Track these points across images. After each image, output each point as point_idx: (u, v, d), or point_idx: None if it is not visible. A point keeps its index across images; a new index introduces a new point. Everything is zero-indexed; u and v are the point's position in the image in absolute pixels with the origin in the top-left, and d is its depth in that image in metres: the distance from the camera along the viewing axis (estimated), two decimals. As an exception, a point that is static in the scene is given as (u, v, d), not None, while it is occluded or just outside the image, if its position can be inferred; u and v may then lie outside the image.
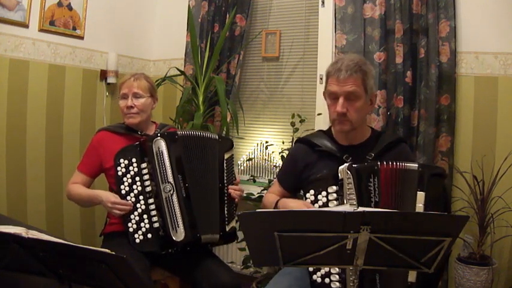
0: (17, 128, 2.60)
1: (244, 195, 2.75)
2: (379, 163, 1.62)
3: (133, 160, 1.93)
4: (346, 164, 1.62)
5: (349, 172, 1.60)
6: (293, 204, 1.74)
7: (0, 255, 1.29)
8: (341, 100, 1.68)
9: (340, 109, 1.68)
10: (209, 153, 2.02)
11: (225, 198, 2.03)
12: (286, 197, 1.92)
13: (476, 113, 2.48)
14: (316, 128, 2.60)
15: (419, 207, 1.57)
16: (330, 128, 1.87)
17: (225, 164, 2.06)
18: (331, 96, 1.72)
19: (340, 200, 1.61)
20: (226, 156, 2.07)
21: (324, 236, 1.22)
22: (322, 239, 1.23)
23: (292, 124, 2.74)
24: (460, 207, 2.39)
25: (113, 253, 1.18)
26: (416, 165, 1.62)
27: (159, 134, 1.95)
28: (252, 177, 2.90)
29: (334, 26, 2.74)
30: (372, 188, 1.60)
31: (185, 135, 2.00)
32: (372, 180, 1.60)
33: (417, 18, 2.52)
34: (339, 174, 1.62)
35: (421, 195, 1.57)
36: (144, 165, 1.92)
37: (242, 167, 3.23)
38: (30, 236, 1.21)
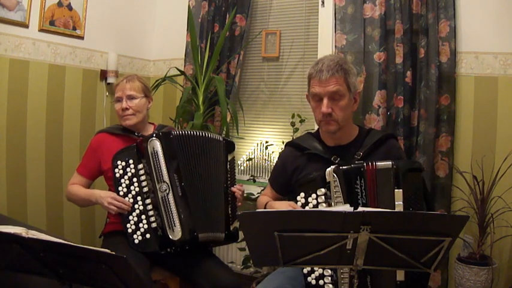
0: (17, 128, 2.60)
1: (244, 195, 2.77)
2: (364, 164, 1.61)
3: (131, 162, 1.94)
4: (332, 167, 1.62)
5: (335, 175, 1.60)
6: (278, 206, 1.76)
7: (0, 255, 1.29)
8: (325, 100, 1.68)
9: (326, 109, 1.68)
10: (211, 153, 2.02)
11: (229, 198, 2.04)
12: (277, 200, 1.93)
13: (476, 113, 2.48)
14: (316, 128, 2.60)
15: (399, 205, 1.56)
16: (318, 130, 1.87)
17: (228, 165, 2.07)
18: (315, 98, 1.73)
19: (328, 202, 1.61)
20: (229, 157, 2.09)
21: (324, 236, 1.22)
22: (322, 239, 1.23)
23: (292, 124, 2.74)
24: (460, 207, 2.39)
25: (113, 253, 1.18)
26: (390, 162, 1.60)
27: (154, 134, 1.95)
28: (252, 177, 2.90)
29: (334, 26, 2.74)
30: (358, 190, 1.60)
31: (181, 135, 1.99)
32: (358, 181, 1.60)
33: (417, 18, 2.52)
34: (326, 177, 1.62)
35: (398, 193, 1.57)
36: (140, 166, 1.93)
37: (242, 167, 3.23)
38: (30, 236, 1.21)
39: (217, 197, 2.01)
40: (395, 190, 1.57)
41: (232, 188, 2.06)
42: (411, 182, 1.58)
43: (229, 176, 2.07)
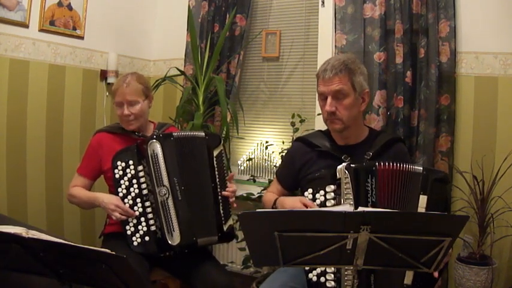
0: (17, 128, 2.60)
1: (244, 195, 2.77)
2: (377, 163, 1.62)
3: (131, 163, 1.92)
4: (344, 164, 1.63)
5: (346, 172, 1.60)
6: (289, 202, 1.75)
7: (0, 255, 1.29)
8: (329, 99, 1.72)
9: (329, 108, 1.71)
10: (199, 153, 1.99)
11: (219, 197, 2.00)
12: (284, 196, 1.92)
13: (476, 113, 2.48)
14: (316, 128, 2.60)
15: (421, 210, 1.57)
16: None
17: (215, 162, 2.02)
18: (321, 97, 1.77)
19: (337, 199, 1.62)
20: (215, 153, 2.03)
21: (324, 236, 1.22)
22: (322, 239, 1.23)
23: (292, 124, 2.74)
24: (460, 207, 2.39)
25: (113, 253, 1.18)
26: (421, 168, 1.62)
27: (154, 136, 1.93)
28: (252, 177, 2.90)
29: (334, 26, 2.73)
30: (369, 188, 1.60)
31: (180, 137, 1.98)
32: (369, 180, 1.60)
33: (417, 18, 2.52)
34: (337, 174, 1.63)
35: (423, 199, 1.58)
36: (140, 167, 1.91)
37: (242, 167, 3.23)
38: (30, 236, 1.21)
39: (208, 199, 1.97)
40: (421, 196, 1.58)
41: (224, 192, 2.00)
42: (437, 191, 1.60)
43: (217, 173, 2.01)
